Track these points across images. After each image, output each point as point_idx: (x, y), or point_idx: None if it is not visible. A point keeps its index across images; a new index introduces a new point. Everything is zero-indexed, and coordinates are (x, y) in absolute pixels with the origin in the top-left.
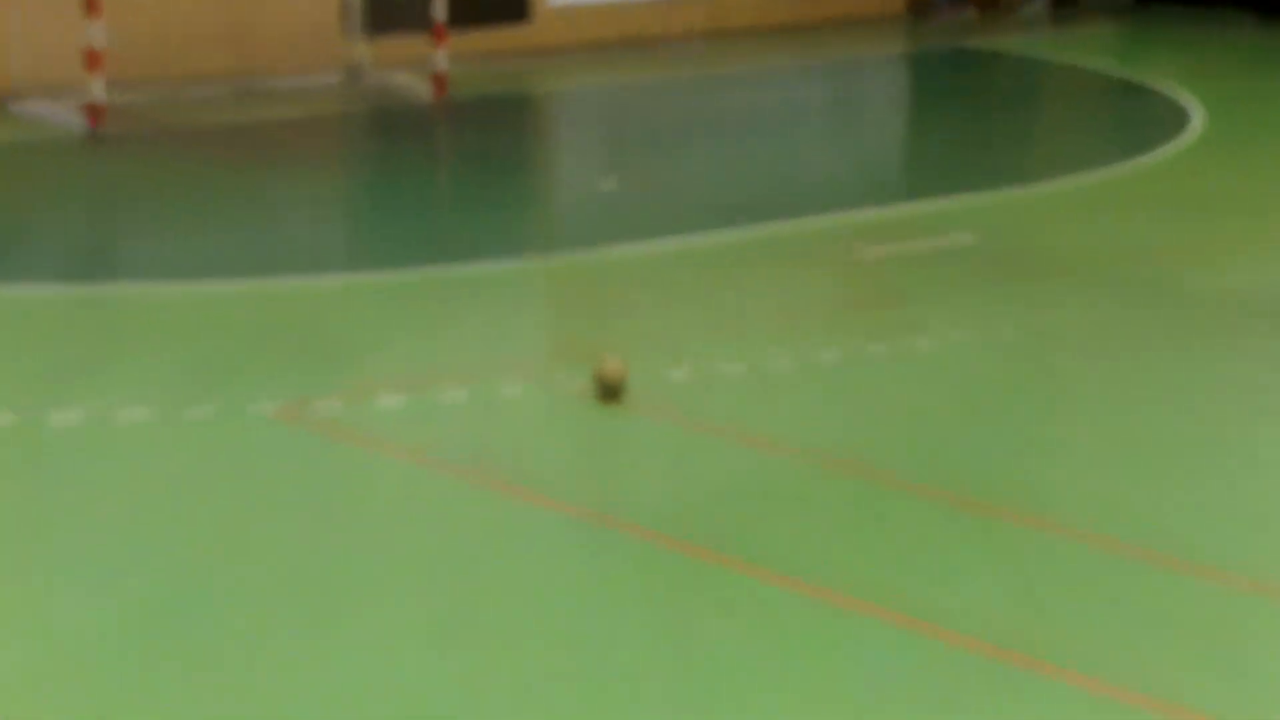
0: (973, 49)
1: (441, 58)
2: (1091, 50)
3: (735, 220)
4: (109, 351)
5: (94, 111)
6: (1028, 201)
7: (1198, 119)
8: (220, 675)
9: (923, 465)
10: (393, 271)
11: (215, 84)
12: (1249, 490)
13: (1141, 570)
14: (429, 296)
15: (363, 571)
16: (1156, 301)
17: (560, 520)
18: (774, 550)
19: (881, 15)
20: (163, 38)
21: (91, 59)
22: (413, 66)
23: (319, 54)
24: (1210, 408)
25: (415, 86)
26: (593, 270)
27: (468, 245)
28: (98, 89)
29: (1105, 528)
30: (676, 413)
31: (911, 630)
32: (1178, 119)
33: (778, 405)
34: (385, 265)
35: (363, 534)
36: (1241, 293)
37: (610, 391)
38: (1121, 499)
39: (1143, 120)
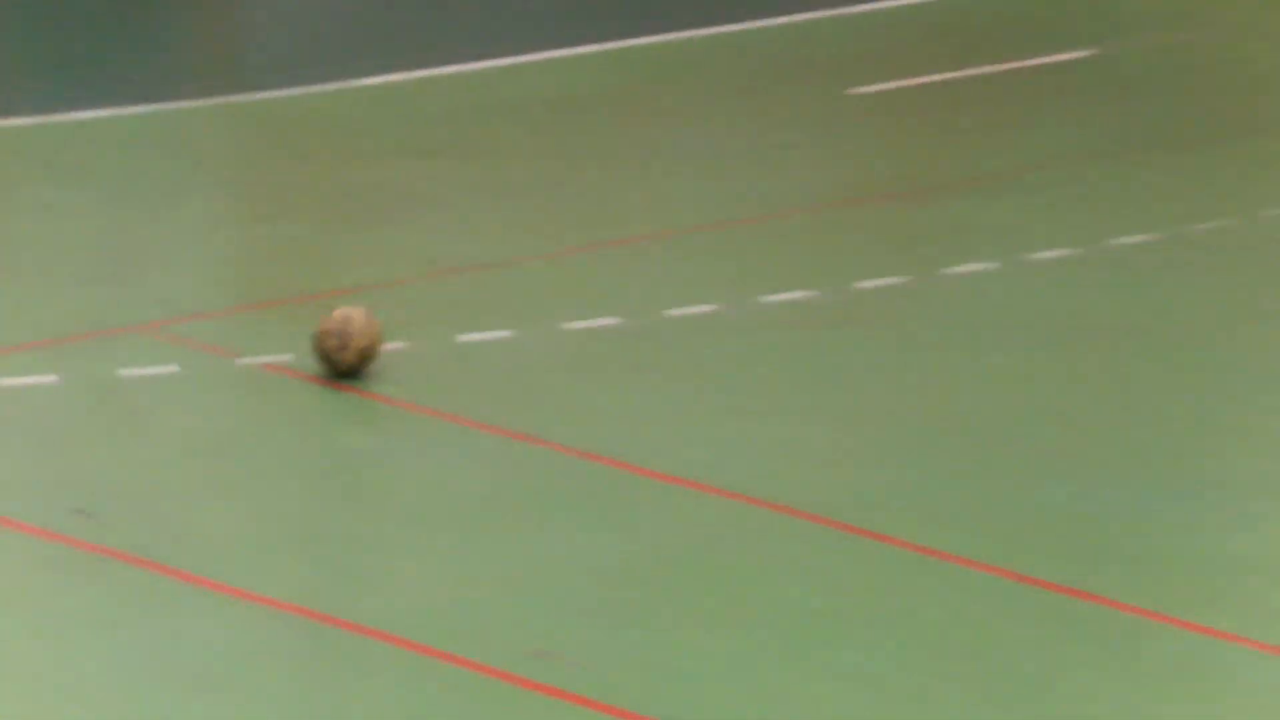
0: None
1: None
2: None
3: (605, 22)
4: None
5: None
6: None
7: None
8: None
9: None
10: None
11: None
12: None
13: None
14: None
15: None
16: None
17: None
18: None
19: None
20: None
21: None
22: None
23: None
24: None
25: None
26: (306, 118)
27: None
28: None
29: None
30: (464, 406)
31: None
32: None
33: (657, 395)
34: None
35: None
36: None
37: (346, 368)
38: None
39: None
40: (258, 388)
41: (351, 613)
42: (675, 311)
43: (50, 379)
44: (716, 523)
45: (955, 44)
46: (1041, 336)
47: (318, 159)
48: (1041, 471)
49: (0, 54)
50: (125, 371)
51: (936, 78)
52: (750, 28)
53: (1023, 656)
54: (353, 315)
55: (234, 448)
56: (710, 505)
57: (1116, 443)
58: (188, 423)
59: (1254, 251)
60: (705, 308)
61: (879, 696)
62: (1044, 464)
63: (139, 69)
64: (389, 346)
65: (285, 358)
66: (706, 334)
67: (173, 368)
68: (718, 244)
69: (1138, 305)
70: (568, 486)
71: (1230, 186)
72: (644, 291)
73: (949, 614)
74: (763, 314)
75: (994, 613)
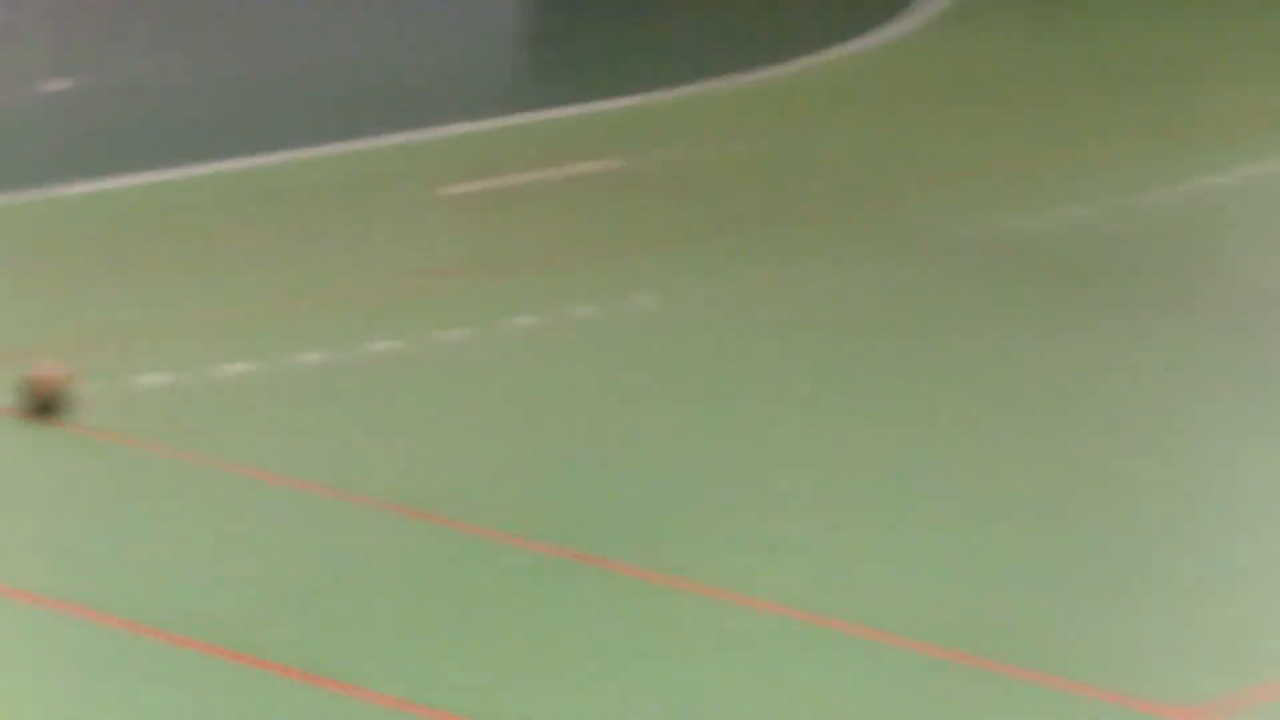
0: None
1: None
2: None
3: (242, 144)
4: None
5: None
6: (691, 107)
7: None
8: None
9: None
10: None
11: None
12: None
13: None
14: None
15: None
16: (913, 255)
17: None
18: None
19: None
20: None
21: None
22: None
23: None
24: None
25: None
26: (27, 221)
27: None
28: None
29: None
30: (146, 433)
31: None
32: None
33: (295, 420)
34: None
35: None
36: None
37: (44, 405)
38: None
39: None
40: None
41: (70, 600)
42: (302, 357)
43: None
44: (333, 520)
45: (525, 155)
46: (567, 379)
47: (26, 253)
48: (592, 475)
49: None
50: None
51: (506, 181)
52: (367, 145)
53: (557, 624)
54: (49, 365)
55: None
56: (320, 503)
57: (665, 454)
58: None
59: (748, 310)
60: (319, 355)
61: (479, 658)
62: (597, 467)
63: None
64: (85, 387)
65: (4, 401)
66: (321, 377)
67: None
68: (329, 310)
69: (654, 352)
70: (218, 496)
71: (720, 273)
72: (277, 344)
73: (509, 591)
74: (364, 360)
75: (530, 585)
